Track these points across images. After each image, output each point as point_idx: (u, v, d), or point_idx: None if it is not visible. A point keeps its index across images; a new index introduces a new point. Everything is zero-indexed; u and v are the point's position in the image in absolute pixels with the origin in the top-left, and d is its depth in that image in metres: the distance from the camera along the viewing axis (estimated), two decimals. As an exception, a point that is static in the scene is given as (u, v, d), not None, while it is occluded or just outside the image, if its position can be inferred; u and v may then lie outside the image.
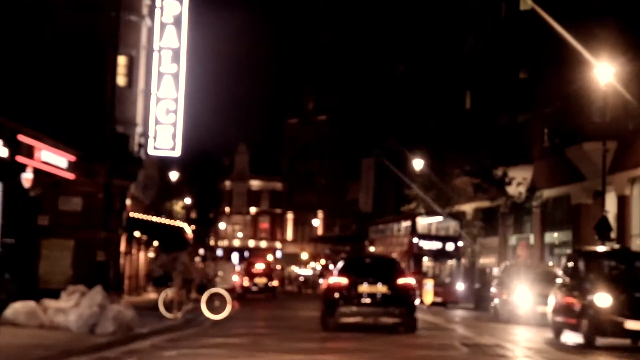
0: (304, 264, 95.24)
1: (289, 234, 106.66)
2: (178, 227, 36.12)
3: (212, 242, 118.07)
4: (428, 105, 61.56)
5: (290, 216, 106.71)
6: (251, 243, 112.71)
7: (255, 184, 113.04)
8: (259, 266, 52.05)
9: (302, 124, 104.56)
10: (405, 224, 48.79)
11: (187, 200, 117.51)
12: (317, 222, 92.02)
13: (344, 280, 21.53)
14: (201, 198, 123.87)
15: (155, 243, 43.55)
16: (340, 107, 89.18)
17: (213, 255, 74.88)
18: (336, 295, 21.44)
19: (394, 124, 66.11)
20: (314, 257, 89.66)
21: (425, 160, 54.50)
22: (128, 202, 32.74)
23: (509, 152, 46.28)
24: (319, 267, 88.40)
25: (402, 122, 65.51)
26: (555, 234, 43.88)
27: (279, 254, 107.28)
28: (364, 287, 21.29)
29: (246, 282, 49.43)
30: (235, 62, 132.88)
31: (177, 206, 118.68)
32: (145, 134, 32.22)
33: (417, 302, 23.92)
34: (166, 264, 26.10)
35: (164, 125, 33.04)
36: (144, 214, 38.19)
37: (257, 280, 50.09)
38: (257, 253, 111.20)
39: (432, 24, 62.45)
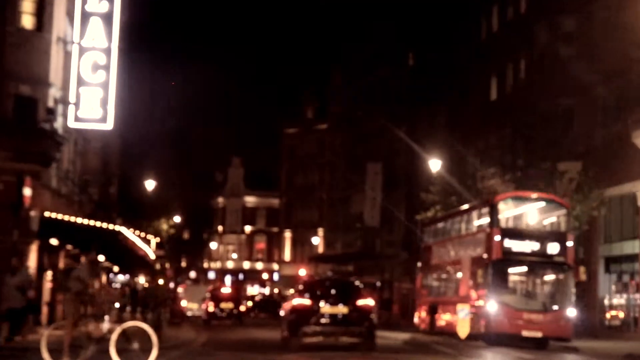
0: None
1: (287, 255, 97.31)
2: (119, 234, 26.55)
3: (205, 265, 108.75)
4: (444, 98, 52.56)
5: (288, 235, 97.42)
6: (246, 265, 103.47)
7: (250, 200, 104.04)
8: (225, 290, 49.30)
9: (301, 134, 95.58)
10: (480, 213, 31.15)
11: (177, 219, 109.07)
12: (317, 241, 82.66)
13: (307, 302, 22.41)
14: (192, 216, 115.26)
15: (101, 257, 34.13)
16: (342, 113, 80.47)
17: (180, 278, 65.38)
18: (299, 316, 22.30)
19: (404, 123, 56.99)
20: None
21: (444, 161, 45.34)
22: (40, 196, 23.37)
23: (552, 144, 36.98)
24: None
25: (413, 119, 56.42)
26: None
27: (276, 277, 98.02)
28: (326, 308, 22.21)
29: (211, 308, 45.95)
30: (228, 68, 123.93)
31: (166, 225, 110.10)
32: (64, 99, 22.97)
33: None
34: (61, 281, 16.91)
35: (90, 87, 23.79)
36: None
37: (224, 305, 46.40)
38: (252, 275, 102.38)
39: (443, 9, 53.64)
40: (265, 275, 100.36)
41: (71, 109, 23.85)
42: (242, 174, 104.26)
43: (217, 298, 46.75)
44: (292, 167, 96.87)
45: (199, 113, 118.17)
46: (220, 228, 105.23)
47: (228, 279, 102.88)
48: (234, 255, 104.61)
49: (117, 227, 24.87)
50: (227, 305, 46.39)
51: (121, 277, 68.87)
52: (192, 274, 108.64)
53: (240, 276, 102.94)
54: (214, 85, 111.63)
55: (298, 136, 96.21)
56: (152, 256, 40.75)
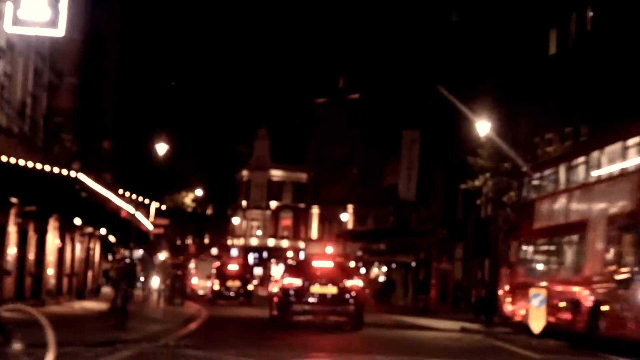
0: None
1: (314, 232, 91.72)
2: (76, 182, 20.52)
3: (229, 242, 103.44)
4: (492, 56, 46.57)
5: (315, 211, 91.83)
6: (271, 242, 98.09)
7: (276, 174, 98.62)
8: (232, 267, 45.59)
9: (332, 105, 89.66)
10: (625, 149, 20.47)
11: (199, 192, 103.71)
12: (346, 217, 76.92)
13: (297, 281, 23.34)
14: (215, 190, 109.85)
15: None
16: (375, 83, 74.53)
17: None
18: (290, 295, 23.23)
19: (446, 85, 51.00)
20: (343, 259, 74.46)
21: (493, 125, 39.40)
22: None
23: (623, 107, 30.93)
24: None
25: (456, 81, 50.42)
26: None
27: (301, 255, 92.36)
28: (315, 288, 23.19)
29: (217, 286, 43.22)
30: (254, 36, 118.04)
31: (187, 198, 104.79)
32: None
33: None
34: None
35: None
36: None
37: (230, 283, 43.49)
38: (277, 253, 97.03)
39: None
40: (290, 254, 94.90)
41: (9, 7, 18.26)
42: (268, 146, 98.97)
43: (222, 275, 43.47)
44: (321, 139, 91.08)
45: (222, 79, 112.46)
46: (244, 203, 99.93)
47: (251, 256, 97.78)
48: (259, 232, 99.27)
49: (74, 174, 18.91)
50: (233, 284, 43.24)
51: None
52: (214, 251, 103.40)
53: (265, 254, 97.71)
54: (239, 50, 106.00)
55: (328, 107, 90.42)
56: (149, 226, 35.26)
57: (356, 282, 23.81)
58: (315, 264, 25.09)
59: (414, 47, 60.95)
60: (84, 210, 22.14)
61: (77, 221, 27.52)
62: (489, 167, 35.60)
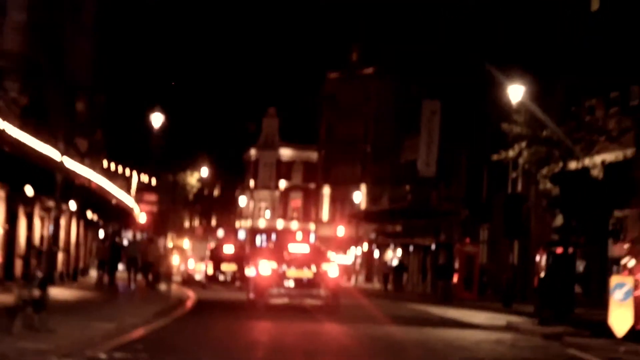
0: (342, 249, 75.87)
1: (325, 214, 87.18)
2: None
3: (237, 224, 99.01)
4: (521, 15, 41.86)
5: (326, 192, 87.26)
6: (280, 224, 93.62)
7: (285, 153, 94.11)
8: (228, 249, 42.10)
9: (344, 79, 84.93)
10: None
11: (204, 172, 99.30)
12: (359, 197, 72.27)
13: (273, 265, 23.81)
14: (222, 170, 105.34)
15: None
16: (391, 54, 69.83)
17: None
18: (266, 278, 23.69)
19: (468, 51, 46.35)
20: (356, 241, 70.14)
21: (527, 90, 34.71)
22: None
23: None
24: (360, 254, 69.46)
25: (482, 46, 45.73)
26: None
27: (312, 238, 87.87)
28: (292, 272, 23.72)
29: (210, 270, 40.22)
30: (263, 7, 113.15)
31: (192, 178, 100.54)
32: None
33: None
34: None
35: None
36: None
37: (225, 267, 40.38)
38: (287, 236, 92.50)
39: None
40: (299, 234, 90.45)
41: None
42: (277, 124, 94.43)
43: (217, 258, 40.09)
44: (333, 116, 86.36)
45: (229, 54, 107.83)
46: (252, 183, 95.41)
47: (259, 239, 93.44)
48: (267, 214, 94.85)
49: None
50: (229, 267, 39.97)
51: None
52: (220, 233, 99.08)
53: (273, 236, 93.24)
54: (248, 24, 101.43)
55: (341, 82, 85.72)
56: (129, 201, 30.81)
57: (332, 266, 24.32)
58: (291, 248, 25.53)
59: (433, 13, 56.23)
60: (35, 178, 17.68)
61: (29, 191, 22.97)
62: (525, 135, 30.93)
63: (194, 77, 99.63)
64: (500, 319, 26.26)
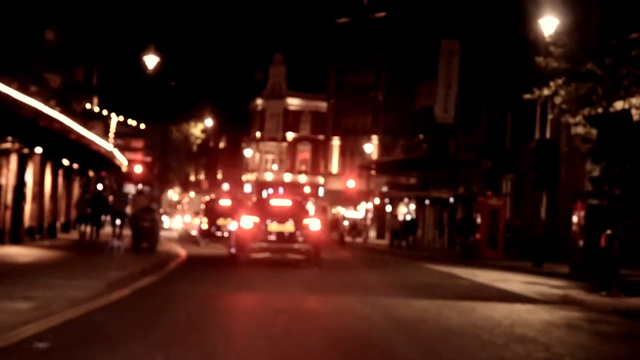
0: (352, 204, 72.03)
1: (335, 166, 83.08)
2: None
3: (243, 177, 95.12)
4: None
5: (336, 143, 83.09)
6: (287, 177, 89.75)
7: (293, 103, 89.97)
8: (224, 203, 39.45)
9: (354, 25, 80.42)
10: None
11: (209, 122, 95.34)
12: (370, 149, 68.20)
13: (255, 219, 23.98)
14: (228, 121, 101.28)
15: None
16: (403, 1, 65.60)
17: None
18: (248, 232, 23.79)
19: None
20: (366, 195, 66.19)
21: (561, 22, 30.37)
22: None
23: None
24: (371, 208, 65.51)
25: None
26: None
27: (321, 192, 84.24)
28: (273, 226, 23.83)
29: (205, 225, 37.83)
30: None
31: (196, 129, 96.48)
32: None
33: None
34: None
35: None
36: None
37: (221, 222, 37.43)
38: (294, 190, 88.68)
39: None
40: (308, 189, 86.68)
41: None
42: (284, 72, 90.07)
43: (213, 212, 37.53)
44: (342, 64, 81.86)
45: (234, 2, 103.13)
46: (258, 134, 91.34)
47: (265, 193, 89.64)
48: (274, 166, 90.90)
49: None
50: (225, 222, 36.62)
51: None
52: (225, 187, 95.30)
53: (280, 190, 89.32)
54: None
55: (350, 27, 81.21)
56: (107, 145, 26.80)
57: (313, 221, 24.47)
58: (274, 202, 25.64)
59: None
60: None
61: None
62: (563, 70, 26.69)
63: (199, 22, 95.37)
64: (537, 282, 22.29)
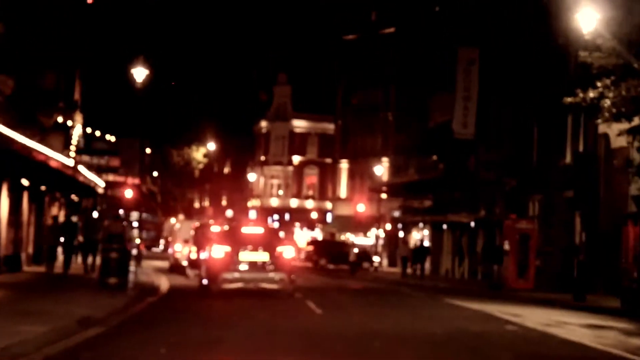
0: (362, 230, 67.74)
1: (343, 191, 78.65)
2: None
3: (249, 203, 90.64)
4: None
5: (344, 166, 78.75)
6: (294, 203, 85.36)
7: (299, 124, 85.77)
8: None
9: (363, 42, 76.31)
10: None
11: (211, 146, 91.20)
12: (380, 171, 63.75)
13: (227, 248, 22.97)
14: (232, 145, 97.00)
15: None
16: (413, 14, 61.47)
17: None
18: (219, 262, 22.81)
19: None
20: (377, 221, 61.82)
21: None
22: None
23: None
24: (382, 235, 61.19)
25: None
26: None
27: (329, 217, 79.81)
28: (246, 255, 22.94)
29: (194, 255, 34.33)
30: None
31: (198, 153, 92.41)
32: None
33: None
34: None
35: None
36: None
37: None
38: (301, 216, 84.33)
39: None
40: (315, 215, 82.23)
41: None
42: (289, 92, 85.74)
43: (203, 240, 31.06)
44: (350, 83, 77.73)
45: (239, 16, 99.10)
46: (262, 158, 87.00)
47: (271, 220, 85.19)
48: (280, 192, 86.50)
49: None
50: None
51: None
52: (229, 213, 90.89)
53: (287, 216, 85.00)
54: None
55: (358, 44, 77.13)
56: (68, 161, 22.53)
57: (287, 249, 23.92)
58: (245, 230, 24.72)
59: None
60: None
61: None
62: (612, 67, 22.26)
63: (201, 40, 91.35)
64: (597, 324, 17.83)
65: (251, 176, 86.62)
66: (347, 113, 78.38)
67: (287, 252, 23.56)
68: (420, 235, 52.73)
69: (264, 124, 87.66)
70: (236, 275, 22.76)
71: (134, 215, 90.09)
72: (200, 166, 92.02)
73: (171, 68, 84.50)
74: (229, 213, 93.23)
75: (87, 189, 27.34)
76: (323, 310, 18.74)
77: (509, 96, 39.64)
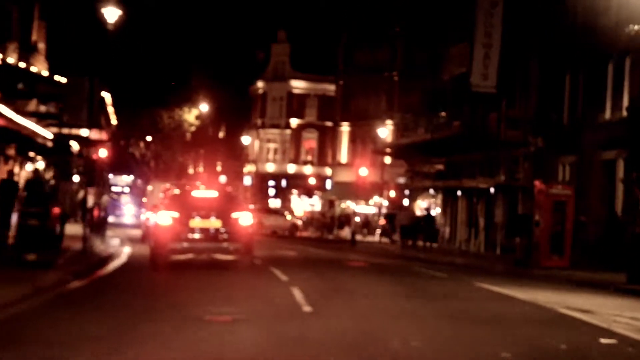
0: (364, 197, 62.84)
1: (344, 155, 73.45)
2: None
3: (244, 169, 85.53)
4: None
5: (346, 129, 73.52)
6: (291, 168, 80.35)
7: (298, 85, 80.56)
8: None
9: (367, -6, 70.86)
10: None
11: (204, 108, 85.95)
12: (385, 133, 58.47)
13: (174, 215, 20.58)
14: (228, 107, 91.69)
15: None
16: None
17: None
18: (167, 230, 20.46)
19: None
20: (381, 187, 56.96)
21: None
22: None
23: None
24: (385, 203, 56.40)
25: None
26: None
27: (328, 184, 74.88)
28: (196, 222, 20.55)
29: None
30: None
31: (190, 115, 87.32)
32: None
33: None
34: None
35: None
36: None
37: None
38: (299, 182, 79.24)
39: None
40: (313, 181, 77.22)
41: None
42: (288, 51, 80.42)
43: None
44: (352, 41, 72.24)
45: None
46: (259, 121, 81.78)
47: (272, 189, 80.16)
48: (277, 156, 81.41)
49: None
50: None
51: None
52: (223, 179, 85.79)
53: (283, 182, 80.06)
54: None
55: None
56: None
57: (244, 215, 21.13)
58: (197, 194, 21.86)
59: None
60: None
61: None
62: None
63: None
64: None
65: (245, 139, 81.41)
66: (349, 73, 73.07)
67: (243, 218, 20.89)
68: (426, 204, 47.87)
69: (260, 84, 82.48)
70: (185, 245, 20.32)
71: (124, 179, 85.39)
72: (193, 129, 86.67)
73: (159, 21, 79.14)
74: (223, 179, 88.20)
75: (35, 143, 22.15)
76: (313, 307, 13.31)
77: (536, 43, 34.34)
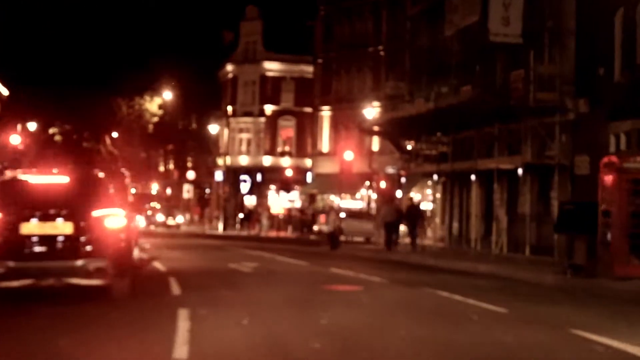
0: (350, 190, 55.17)
1: (325, 144, 65.53)
2: None
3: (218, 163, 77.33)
4: None
5: (326, 114, 65.85)
6: (266, 160, 72.40)
7: (272, 67, 73.24)
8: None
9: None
10: None
11: (167, 95, 77.69)
12: (372, 113, 50.19)
13: None
14: (197, 96, 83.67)
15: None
16: None
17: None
18: None
19: None
20: (369, 179, 49.68)
21: None
22: None
23: None
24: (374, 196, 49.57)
25: None
26: None
27: (309, 177, 67.18)
28: (32, 227, 13.21)
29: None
30: None
31: (152, 104, 79.17)
32: None
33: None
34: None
35: None
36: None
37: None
38: (275, 176, 71.20)
39: None
40: (291, 173, 69.50)
41: None
42: (260, 29, 72.69)
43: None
44: (332, 15, 65.18)
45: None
46: (229, 109, 73.57)
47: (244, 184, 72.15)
48: (250, 148, 73.58)
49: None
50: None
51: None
52: (191, 175, 77.54)
53: (259, 177, 72.00)
54: None
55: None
56: None
57: (113, 211, 13.44)
58: (35, 181, 13.89)
59: None
60: None
61: None
62: None
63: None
64: None
65: (213, 128, 73.12)
66: (329, 50, 65.90)
67: (112, 219, 13.41)
68: (420, 196, 39.96)
69: (229, 67, 74.79)
70: (12, 264, 12.92)
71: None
72: (155, 119, 78.35)
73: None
74: (191, 174, 79.95)
75: None
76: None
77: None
